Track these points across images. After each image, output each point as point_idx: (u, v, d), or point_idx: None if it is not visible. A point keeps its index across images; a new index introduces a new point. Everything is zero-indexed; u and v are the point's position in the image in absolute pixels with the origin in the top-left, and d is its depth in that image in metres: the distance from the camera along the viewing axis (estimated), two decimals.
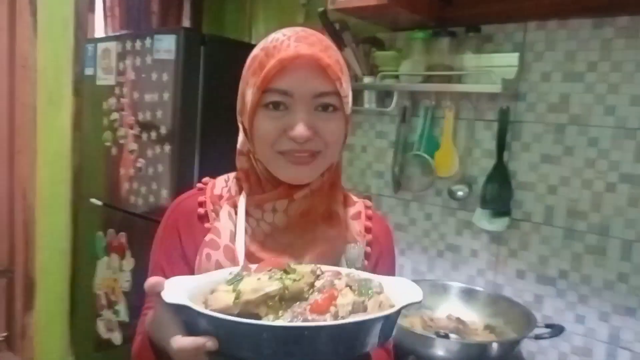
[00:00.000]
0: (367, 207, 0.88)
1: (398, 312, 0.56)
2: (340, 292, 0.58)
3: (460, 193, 1.57)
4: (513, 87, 1.44)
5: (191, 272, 0.76)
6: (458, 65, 1.51)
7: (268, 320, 0.55)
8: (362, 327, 0.53)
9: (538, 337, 1.24)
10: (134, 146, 1.64)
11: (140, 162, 1.61)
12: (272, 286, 0.56)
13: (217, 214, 0.79)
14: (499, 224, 1.49)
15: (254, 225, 0.77)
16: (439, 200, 1.66)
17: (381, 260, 0.87)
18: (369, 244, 0.85)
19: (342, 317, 0.54)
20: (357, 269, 0.79)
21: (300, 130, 0.71)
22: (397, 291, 0.61)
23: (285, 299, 0.57)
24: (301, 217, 0.78)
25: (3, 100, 1.80)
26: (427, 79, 1.57)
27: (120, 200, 1.71)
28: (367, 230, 0.85)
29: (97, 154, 1.82)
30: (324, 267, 0.66)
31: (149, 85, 1.58)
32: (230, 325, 0.50)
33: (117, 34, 1.94)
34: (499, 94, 1.46)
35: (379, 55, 1.66)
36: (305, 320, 0.54)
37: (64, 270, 1.95)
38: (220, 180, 0.85)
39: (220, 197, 0.82)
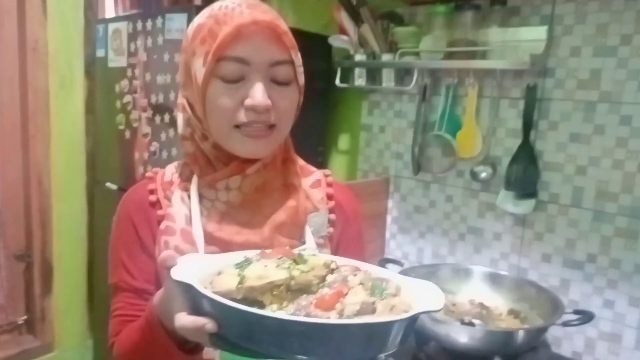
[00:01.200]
0: (326, 176, 0.87)
1: (410, 320, 0.51)
2: (350, 289, 0.55)
3: (483, 174, 1.52)
4: (541, 63, 1.37)
5: (154, 262, 0.75)
6: (482, 40, 1.44)
7: (271, 310, 0.53)
8: (362, 331, 0.49)
9: (566, 324, 1.19)
10: (147, 129, 1.61)
11: (154, 146, 1.58)
12: (278, 275, 0.54)
13: (170, 200, 0.77)
14: (524, 206, 1.44)
15: (208, 206, 0.75)
16: (461, 181, 1.61)
17: (347, 226, 0.86)
18: (332, 210, 0.84)
19: (347, 317, 0.51)
20: (321, 237, 0.80)
21: (259, 98, 0.68)
22: (417, 296, 0.57)
23: (292, 290, 0.54)
24: (256, 193, 0.76)
25: (15, 84, 1.77)
26: (449, 56, 1.50)
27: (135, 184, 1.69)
28: (329, 197, 0.84)
29: (111, 137, 1.80)
30: (341, 261, 0.63)
31: (161, 66, 1.54)
32: (226, 310, 0.49)
33: (128, 13, 1.89)
34: (526, 70, 1.40)
35: (398, 32, 1.59)
36: (308, 315, 0.51)
37: (81, 255, 1.95)
38: (170, 167, 0.83)
39: (171, 182, 0.79)
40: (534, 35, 1.38)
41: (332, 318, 0.50)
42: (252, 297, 0.53)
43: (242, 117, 0.70)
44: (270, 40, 0.69)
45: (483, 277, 1.47)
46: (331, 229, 0.83)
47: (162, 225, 0.74)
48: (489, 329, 1.24)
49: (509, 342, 1.19)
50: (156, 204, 0.78)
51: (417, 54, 1.56)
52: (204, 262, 0.59)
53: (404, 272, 1.44)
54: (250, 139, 0.72)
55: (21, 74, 1.78)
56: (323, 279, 0.57)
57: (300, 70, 0.75)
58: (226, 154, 0.75)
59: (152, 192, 0.79)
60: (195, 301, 0.54)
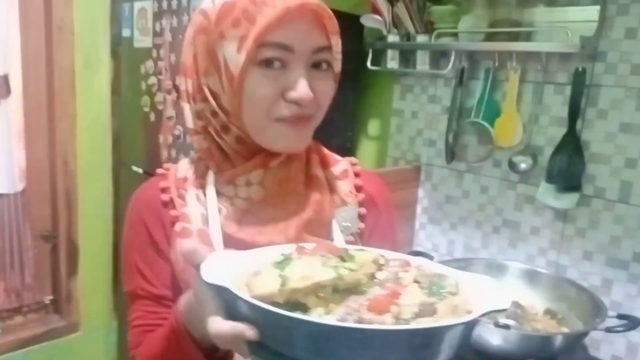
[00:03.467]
0: (353, 164, 0.80)
1: (475, 321, 0.46)
2: (405, 288, 0.49)
3: (522, 165, 1.43)
4: (591, 46, 1.26)
5: (171, 266, 0.70)
6: (527, 20, 1.34)
7: (317, 314, 0.47)
8: (429, 336, 0.44)
9: (609, 330, 1.11)
10: (171, 112, 1.57)
11: (178, 130, 1.54)
12: (325, 275, 0.48)
13: (184, 199, 0.71)
14: (566, 201, 1.34)
15: (227, 204, 0.69)
16: (498, 172, 1.52)
17: (380, 221, 0.80)
18: (361, 204, 0.77)
19: (405, 321, 0.45)
20: (351, 234, 0.74)
21: (304, 90, 0.63)
22: (477, 293, 0.51)
23: (339, 291, 0.49)
24: (279, 187, 0.70)
25: (41, 63, 1.75)
26: (490, 37, 1.40)
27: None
28: (358, 189, 0.78)
29: (136, 120, 1.76)
30: (390, 255, 0.57)
31: None
32: (271, 316, 0.44)
33: None
34: (574, 54, 1.29)
35: (435, 10, 1.50)
36: (360, 319, 0.45)
37: (106, 236, 1.94)
38: (184, 162, 0.76)
39: (185, 179, 0.73)
40: (584, 15, 1.28)
41: (387, 322, 0.45)
42: (294, 299, 0.48)
43: (283, 110, 0.64)
44: (314, 24, 0.63)
45: (519, 274, 1.39)
46: (361, 225, 0.76)
47: (177, 227, 0.68)
48: (524, 333, 1.17)
49: (545, 346, 1.12)
50: (169, 204, 0.72)
51: (455, 35, 1.47)
52: (236, 260, 0.54)
53: None
54: (293, 132, 0.66)
55: (47, 53, 1.75)
56: (372, 276, 0.52)
57: (338, 56, 0.68)
58: (249, 148, 0.68)
59: (164, 190, 0.73)
60: (231, 305, 0.49)
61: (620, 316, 1.17)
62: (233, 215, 0.68)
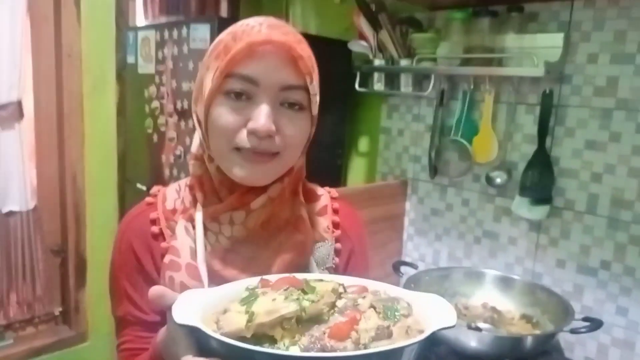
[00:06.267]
0: (332, 199, 0.84)
1: (427, 339, 0.51)
2: (363, 314, 0.54)
3: (498, 180, 1.53)
4: (557, 70, 1.37)
5: None
6: (499, 46, 1.45)
7: (283, 344, 0.51)
8: (386, 358, 0.49)
9: (574, 331, 1.21)
10: (173, 134, 1.69)
11: (179, 150, 1.66)
12: (288, 308, 0.52)
13: (173, 231, 0.73)
14: (539, 212, 1.45)
15: (212, 240, 0.72)
16: (477, 186, 1.63)
17: (353, 256, 0.84)
18: (337, 239, 0.81)
19: (364, 345, 0.50)
20: (326, 268, 0.77)
21: (262, 122, 0.65)
22: (426, 312, 0.56)
23: (303, 321, 0.53)
24: (262, 228, 0.73)
25: (52, 88, 1.88)
26: (466, 62, 1.52)
27: (164, 186, 1.77)
28: (335, 225, 0.82)
29: (140, 140, 1.88)
30: (348, 282, 0.62)
31: (186, 74, 1.61)
32: (240, 351, 0.47)
33: (156, 22, 1.97)
34: (542, 77, 1.39)
35: (416, 37, 1.61)
36: (323, 347, 0.50)
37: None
38: (171, 190, 0.79)
39: (174, 211, 0.76)
40: (550, 42, 1.39)
41: (348, 348, 0.49)
42: (261, 332, 0.51)
43: (243, 140, 0.67)
44: (284, 62, 0.67)
45: (495, 281, 1.48)
46: (336, 259, 0.80)
47: (167, 259, 0.71)
48: (497, 334, 1.27)
49: (517, 347, 1.21)
50: (159, 236, 0.75)
51: (434, 59, 1.58)
52: (204, 298, 0.57)
53: (419, 275, 1.46)
54: (248, 163, 0.68)
55: (57, 78, 1.88)
56: (333, 305, 0.55)
57: (315, 99, 0.71)
58: (230, 180, 0.72)
59: (153, 222, 0.75)
60: (202, 343, 0.53)
61: (586, 319, 1.26)
62: (217, 253, 0.71)
